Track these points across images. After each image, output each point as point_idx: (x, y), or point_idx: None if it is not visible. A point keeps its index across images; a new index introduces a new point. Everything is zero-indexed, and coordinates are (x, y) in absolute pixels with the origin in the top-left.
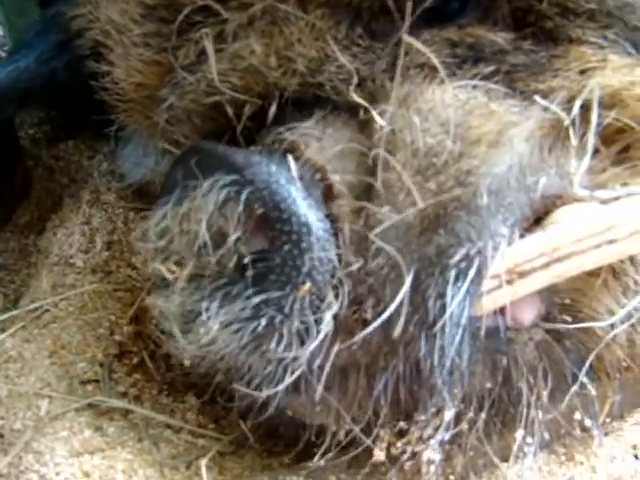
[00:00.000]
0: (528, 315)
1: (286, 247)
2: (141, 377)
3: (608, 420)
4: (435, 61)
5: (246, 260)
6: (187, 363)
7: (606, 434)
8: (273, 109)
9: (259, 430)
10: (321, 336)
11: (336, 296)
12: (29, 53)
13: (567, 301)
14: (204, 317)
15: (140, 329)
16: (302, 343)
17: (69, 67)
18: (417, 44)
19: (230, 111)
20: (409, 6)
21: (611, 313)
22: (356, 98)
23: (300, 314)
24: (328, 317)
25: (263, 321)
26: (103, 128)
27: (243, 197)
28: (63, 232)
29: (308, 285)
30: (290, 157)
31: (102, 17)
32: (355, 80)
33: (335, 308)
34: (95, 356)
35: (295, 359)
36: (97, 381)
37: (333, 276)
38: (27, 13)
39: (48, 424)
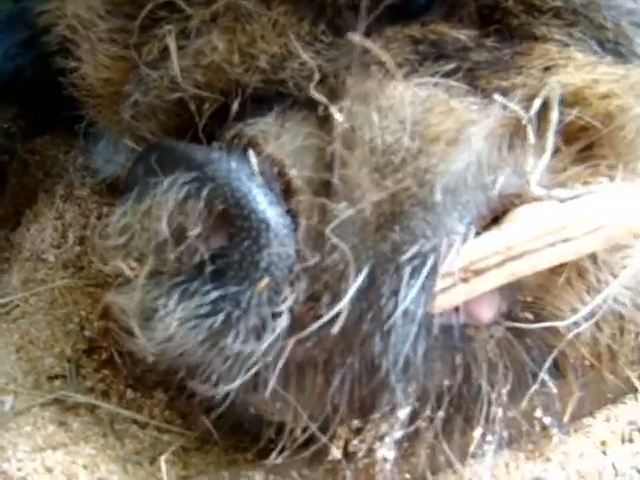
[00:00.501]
0: (487, 312)
1: (245, 243)
2: (109, 373)
3: (576, 417)
4: (387, 58)
5: (205, 257)
6: (150, 359)
7: (575, 431)
8: (235, 105)
9: (224, 426)
10: (277, 332)
11: (293, 291)
12: None
13: (529, 299)
14: (162, 314)
15: (110, 325)
16: (259, 339)
17: (36, 64)
18: (368, 44)
19: (193, 107)
20: (363, 4)
21: (574, 311)
22: (315, 95)
23: (258, 310)
24: (284, 312)
25: (220, 317)
26: (75, 124)
27: (204, 194)
28: (36, 227)
29: (266, 280)
30: (251, 152)
31: (69, 13)
32: (317, 77)
33: (291, 303)
34: (63, 351)
35: (252, 355)
36: (64, 377)
37: (291, 271)
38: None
39: (12, 419)
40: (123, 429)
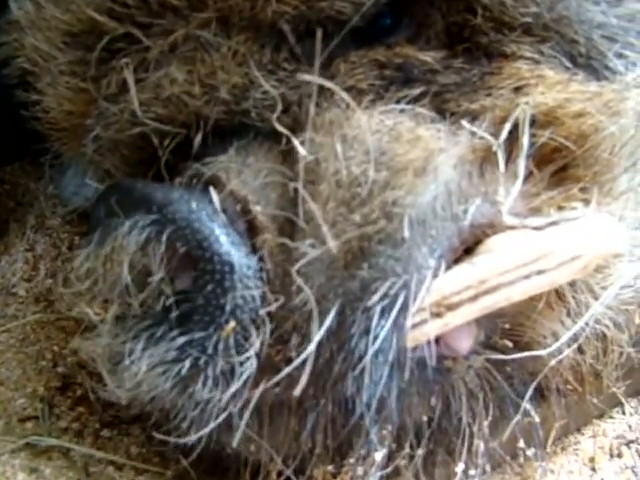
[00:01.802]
0: (465, 343)
1: (209, 287)
2: (85, 410)
3: (562, 436)
4: (340, 92)
5: (170, 301)
6: (123, 402)
7: (562, 449)
8: (198, 139)
9: (201, 465)
10: (244, 377)
11: (259, 335)
12: None
13: (508, 325)
14: (129, 360)
15: (84, 359)
16: (228, 384)
17: None
18: (320, 81)
19: (156, 141)
20: (318, 39)
21: (555, 336)
22: (278, 126)
23: (225, 354)
24: (252, 357)
25: (187, 363)
26: (42, 154)
27: (164, 237)
28: (6, 259)
29: (232, 324)
30: (212, 190)
31: (28, 45)
32: (280, 106)
33: (257, 347)
34: (36, 391)
35: (222, 400)
36: (37, 418)
37: (257, 314)
38: None
39: None
40: (98, 472)
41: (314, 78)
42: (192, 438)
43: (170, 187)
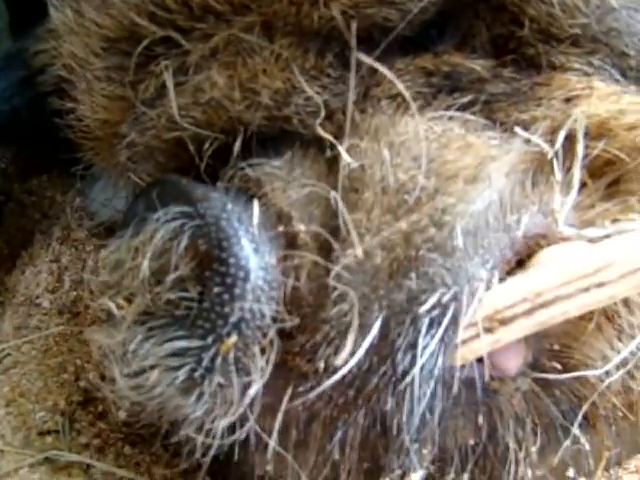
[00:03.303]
0: (513, 363)
1: (217, 290)
2: (106, 426)
3: (606, 469)
4: (400, 87)
5: (194, 296)
6: (122, 416)
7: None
8: (238, 145)
9: None
10: (245, 401)
11: (263, 358)
12: None
13: (556, 347)
14: (136, 356)
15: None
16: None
17: (32, 105)
18: (385, 71)
19: (193, 147)
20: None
21: (605, 359)
22: (322, 133)
23: (222, 371)
24: (254, 381)
25: (182, 372)
26: (72, 165)
27: (189, 230)
28: (31, 270)
29: (234, 339)
30: (255, 202)
31: (65, 52)
32: (323, 113)
33: (260, 371)
34: (57, 404)
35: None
36: (57, 432)
37: (265, 335)
38: (1, 52)
39: None
40: None
41: (373, 63)
42: (207, 456)
43: (213, 187)
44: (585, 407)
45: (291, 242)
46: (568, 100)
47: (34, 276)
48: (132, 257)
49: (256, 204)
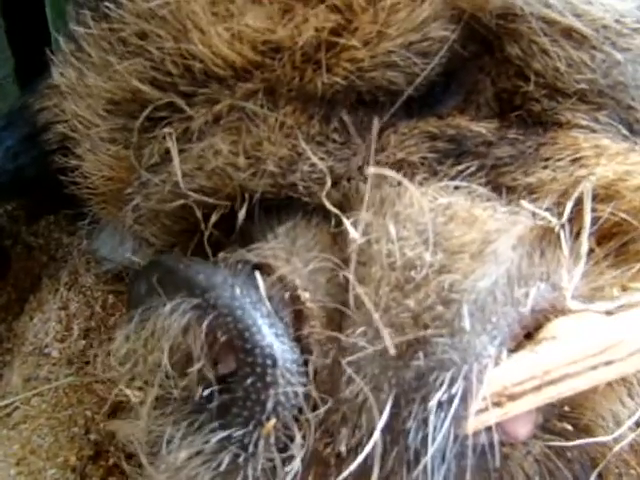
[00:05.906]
0: (524, 428)
1: (249, 380)
2: None
3: None
4: (403, 180)
5: (211, 389)
6: None
7: None
8: (242, 213)
9: None
10: (289, 478)
11: (303, 434)
12: None
13: (567, 408)
14: (168, 446)
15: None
16: None
17: (37, 162)
18: (387, 172)
19: (199, 213)
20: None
21: (615, 417)
22: (328, 206)
23: (266, 452)
24: (297, 457)
25: (226, 458)
26: (78, 206)
27: (205, 323)
28: (39, 317)
29: (273, 422)
30: (259, 276)
31: (68, 111)
32: (328, 180)
33: (300, 446)
34: (67, 460)
35: None
36: None
37: (301, 411)
38: (7, 97)
39: None
40: None
41: (380, 170)
42: None
43: (214, 268)
44: (598, 469)
45: (298, 315)
46: (575, 160)
47: (43, 324)
48: (143, 346)
49: (260, 279)
